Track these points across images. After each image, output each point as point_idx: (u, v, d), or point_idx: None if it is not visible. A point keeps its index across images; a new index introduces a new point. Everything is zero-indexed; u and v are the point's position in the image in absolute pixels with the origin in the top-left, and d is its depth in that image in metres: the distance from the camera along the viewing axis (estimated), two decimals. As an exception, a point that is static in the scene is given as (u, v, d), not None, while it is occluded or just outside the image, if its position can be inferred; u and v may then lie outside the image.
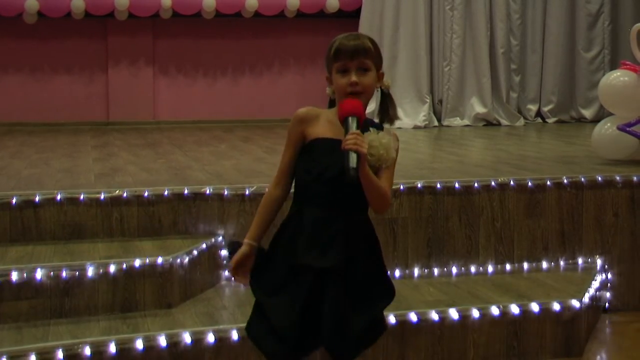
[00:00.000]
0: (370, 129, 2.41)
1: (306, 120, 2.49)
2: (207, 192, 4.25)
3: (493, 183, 4.52)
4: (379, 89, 2.57)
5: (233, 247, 2.59)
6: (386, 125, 2.57)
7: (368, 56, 2.47)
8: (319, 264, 2.41)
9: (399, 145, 2.51)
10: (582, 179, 4.63)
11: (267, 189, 2.59)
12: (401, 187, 4.38)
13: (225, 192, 4.24)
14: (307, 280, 2.42)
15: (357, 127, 2.36)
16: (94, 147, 6.61)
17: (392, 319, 3.70)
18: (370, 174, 2.38)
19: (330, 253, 2.42)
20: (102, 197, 4.17)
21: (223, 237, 4.19)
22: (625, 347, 4.16)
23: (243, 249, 2.52)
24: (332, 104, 2.58)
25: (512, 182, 4.54)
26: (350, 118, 2.37)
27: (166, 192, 4.23)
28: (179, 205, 4.22)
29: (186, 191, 4.26)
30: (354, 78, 2.43)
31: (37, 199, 4.11)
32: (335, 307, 2.41)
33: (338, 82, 2.45)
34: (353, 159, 2.31)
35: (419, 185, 4.42)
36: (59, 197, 4.13)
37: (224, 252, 4.16)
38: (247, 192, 4.23)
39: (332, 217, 2.43)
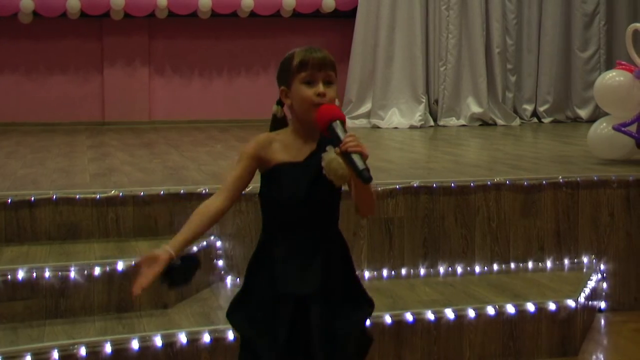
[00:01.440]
0: (327, 147, 2.28)
1: (263, 146, 2.39)
2: (203, 192, 4.24)
3: (489, 183, 4.53)
4: None
5: (194, 266, 2.35)
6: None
7: (333, 69, 2.40)
8: (300, 290, 2.35)
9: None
10: (578, 179, 4.64)
11: (203, 202, 2.42)
12: (397, 187, 4.39)
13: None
14: (289, 308, 2.36)
15: (344, 130, 2.27)
16: (90, 147, 6.60)
17: (388, 319, 3.70)
18: None
19: (310, 278, 2.36)
20: (97, 197, 4.16)
21: (219, 237, 4.19)
22: (620, 347, 4.17)
23: (159, 251, 2.28)
24: (277, 123, 2.49)
25: (507, 182, 4.55)
26: (333, 123, 2.27)
27: (162, 192, 4.23)
28: (175, 205, 4.22)
29: (182, 191, 4.25)
30: (321, 89, 2.34)
31: (32, 199, 4.10)
32: (323, 330, 2.35)
33: (303, 93, 2.35)
34: (361, 160, 2.22)
35: (415, 185, 4.42)
36: (54, 197, 4.12)
37: (219, 252, 4.17)
38: (242, 192, 4.22)
39: (309, 240, 2.38)
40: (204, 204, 2.39)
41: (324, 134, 2.31)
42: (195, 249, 3.99)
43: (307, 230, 2.38)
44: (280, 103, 2.48)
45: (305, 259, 2.37)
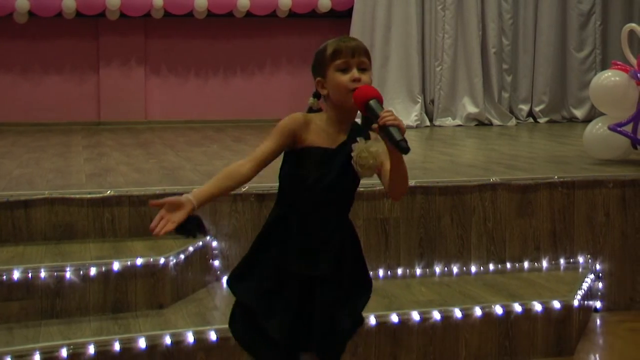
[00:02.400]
0: (358, 138, 2.37)
1: (300, 125, 2.43)
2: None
3: (485, 183, 4.53)
4: None
5: (201, 224, 2.39)
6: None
7: (367, 56, 2.46)
8: (310, 272, 2.41)
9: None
10: (574, 179, 4.64)
11: (233, 163, 2.42)
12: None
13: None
14: (296, 286, 2.42)
15: (381, 107, 2.32)
16: (85, 147, 6.59)
17: (384, 319, 3.70)
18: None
19: (322, 261, 2.42)
20: (93, 197, 4.16)
21: (215, 237, 4.18)
22: (616, 347, 4.18)
23: (183, 199, 2.33)
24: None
25: (503, 182, 4.55)
26: (372, 101, 2.33)
27: (158, 192, 4.22)
28: (171, 205, 4.21)
29: (178, 191, 4.24)
30: (356, 74, 2.40)
31: (27, 199, 4.09)
32: (326, 312, 2.41)
33: (339, 79, 2.41)
34: (398, 132, 2.28)
35: (411, 185, 4.42)
36: (50, 197, 4.11)
37: (215, 252, 4.16)
38: (238, 192, 4.22)
39: (324, 224, 2.43)
40: (234, 166, 2.40)
41: (363, 113, 2.37)
42: (191, 248, 3.99)
43: (324, 214, 2.43)
44: (317, 95, 2.51)
45: (318, 242, 2.42)
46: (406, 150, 2.27)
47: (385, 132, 2.29)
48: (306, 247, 2.42)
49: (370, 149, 2.35)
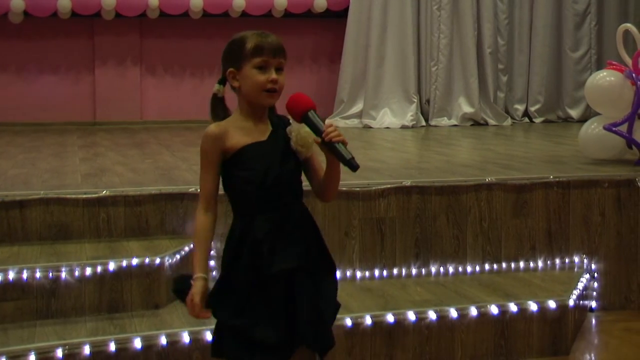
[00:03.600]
0: (288, 127, 2.40)
1: (220, 136, 2.41)
2: (195, 192, 4.24)
3: (480, 183, 4.53)
4: None
5: (184, 283, 2.43)
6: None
7: (285, 56, 2.44)
8: (287, 265, 2.37)
9: None
10: (569, 179, 4.65)
11: (196, 217, 2.49)
12: (389, 187, 4.39)
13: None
14: (280, 287, 2.38)
15: (319, 118, 2.34)
16: (81, 147, 6.58)
17: (379, 319, 3.70)
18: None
19: (294, 252, 2.39)
20: (88, 197, 4.15)
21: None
22: (611, 346, 4.18)
23: (201, 284, 2.38)
24: (217, 102, 2.50)
25: (499, 182, 4.55)
26: (310, 113, 2.34)
27: (153, 193, 4.22)
28: (166, 205, 4.21)
29: (173, 191, 4.25)
30: (274, 75, 2.39)
31: (23, 199, 4.08)
32: (309, 304, 2.38)
33: (255, 78, 2.38)
34: (346, 150, 2.29)
35: (407, 185, 4.42)
36: (45, 197, 4.10)
37: (210, 252, 4.15)
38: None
39: (285, 217, 2.41)
40: (200, 224, 2.47)
41: (297, 120, 2.37)
42: (186, 249, 3.99)
43: (283, 206, 2.41)
44: (222, 82, 2.49)
45: (286, 235, 2.40)
46: (356, 168, 2.28)
47: (331, 148, 2.29)
48: (277, 244, 2.38)
49: (304, 128, 2.35)
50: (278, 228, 2.39)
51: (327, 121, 2.36)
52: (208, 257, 2.45)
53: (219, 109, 2.51)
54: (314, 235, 2.48)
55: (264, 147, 2.39)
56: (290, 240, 2.40)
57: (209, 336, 3.46)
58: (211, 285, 2.44)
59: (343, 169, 2.37)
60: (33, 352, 3.26)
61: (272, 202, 2.40)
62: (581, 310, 4.33)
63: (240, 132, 2.42)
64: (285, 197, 2.41)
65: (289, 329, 2.39)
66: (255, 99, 2.42)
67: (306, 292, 2.39)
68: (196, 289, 2.37)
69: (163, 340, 3.43)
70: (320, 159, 2.47)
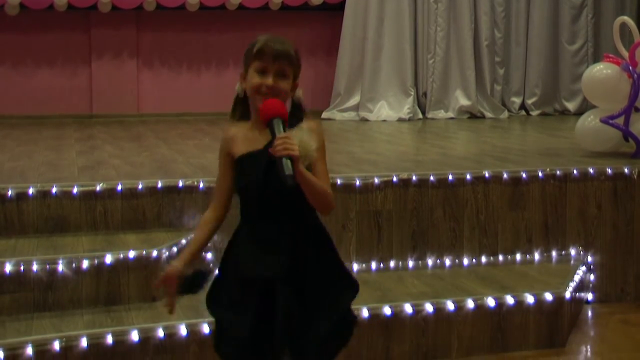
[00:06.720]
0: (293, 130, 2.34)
1: (227, 141, 2.47)
2: (192, 185, 4.24)
3: (477, 175, 4.54)
4: (291, 99, 2.50)
5: (201, 276, 2.46)
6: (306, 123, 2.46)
7: (289, 63, 2.42)
8: (262, 274, 2.38)
9: (322, 135, 2.43)
10: (566, 171, 4.65)
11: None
12: (385, 180, 4.39)
13: (210, 185, 4.23)
14: (254, 291, 2.39)
15: (284, 129, 2.29)
16: (78, 140, 6.57)
17: (376, 312, 3.71)
18: (308, 175, 2.31)
19: (273, 262, 2.38)
20: (85, 190, 4.15)
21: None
22: (607, 338, 4.20)
23: (172, 267, 2.43)
24: (238, 103, 2.52)
25: (496, 175, 4.56)
26: (274, 120, 2.30)
27: (150, 185, 4.22)
28: (163, 198, 4.21)
29: (170, 184, 4.25)
30: (270, 82, 2.38)
31: (20, 192, 4.08)
32: (286, 314, 2.36)
33: (253, 80, 2.40)
34: (287, 166, 2.23)
35: (404, 178, 4.43)
36: (42, 190, 4.10)
37: (209, 245, 4.16)
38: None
39: (274, 227, 2.40)
40: (201, 219, 2.53)
41: (265, 127, 2.35)
42: (184, 241, 3.99)
43: (274, 218, 2.41)
44: None
45: (268, 243, 2.40)
46: (290, 185, 2.25)
47: (276, 161, 2.26)
48: (256, 250, 2.40)
49: (303, 137, 2.30)
50: (264, 236, 2.41)
51: (291, 133, 2.29)
52: (197, 252, 2.49)
53: (237, 110, 2.55)
54: (318, 252, 2.45)
55: (256, 156, 2.40)
56: (272, 249, 2.39)
57: (206, 329, 3.47)
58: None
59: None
60: (30, 345, 3.26)
61: (264, 210, 2.41)
62: (577, 303, 4.34)
63: (242, 140, 2.46)
64: (280, 206, 2.40)
65: (265, 331, 2.38)
66: (252, 101, 2.45)
67: (283, 305, 2.36)
68: (167, 269, 2.43)
69: (160, 333, 3.44)
70: (322, 169, 2.41)
